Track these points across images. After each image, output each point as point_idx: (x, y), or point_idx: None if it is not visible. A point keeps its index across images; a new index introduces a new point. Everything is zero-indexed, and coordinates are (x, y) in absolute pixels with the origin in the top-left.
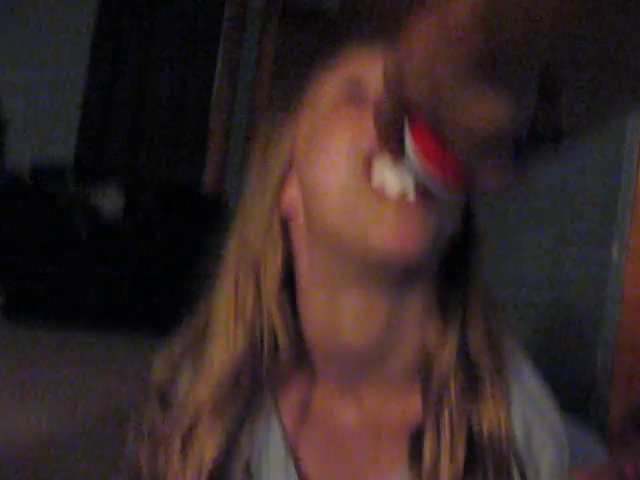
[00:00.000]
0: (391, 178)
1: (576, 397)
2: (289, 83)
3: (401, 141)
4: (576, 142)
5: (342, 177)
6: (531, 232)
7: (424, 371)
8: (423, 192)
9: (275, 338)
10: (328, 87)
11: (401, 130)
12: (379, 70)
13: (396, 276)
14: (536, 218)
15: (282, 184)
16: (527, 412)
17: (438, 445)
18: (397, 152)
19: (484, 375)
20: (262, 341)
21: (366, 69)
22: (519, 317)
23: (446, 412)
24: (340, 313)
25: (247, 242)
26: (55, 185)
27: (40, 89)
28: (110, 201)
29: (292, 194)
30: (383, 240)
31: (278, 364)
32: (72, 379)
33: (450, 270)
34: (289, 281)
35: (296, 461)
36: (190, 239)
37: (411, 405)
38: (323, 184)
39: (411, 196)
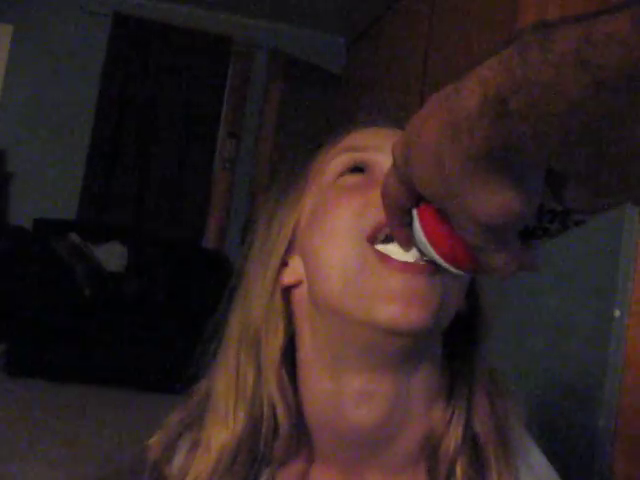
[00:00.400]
0: (397, 248)
1: (579, 461)
2: (292, 150)
3: (410, 223)
4: (580, 228)
5: (346, 248)
6: (531, 296)
7: (430, 452)
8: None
9: (275, 416)
10: (332, 160)
11: (409, 212)
12: (383, 144)
13: (402, 353)
14: (537, 282)
15: (284, 259)
16: None
17: None
18: (406, 235)
19: (490, 457)
20: (262, 419)
21: (370, 143)
22: (521, 382)
23: None
24: (343, 391)
25: (249, 317)
26: (58, 241)
27: (45, 145)
28: (113, 258)
29: (295, 268)
30: (390, 311)
31: (277, 442)
32: (72, 437)
33: (455, 349)
34: (290, 357)
35: None
36: (193, 296)
37: None
38: (327, 256)
39: (419, 262)
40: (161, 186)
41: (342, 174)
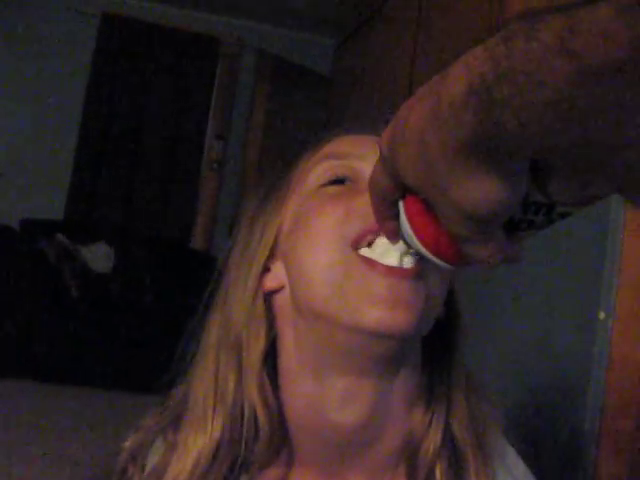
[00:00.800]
0: (381, 251)
1: (564, 460)
2: (280, 152)
3: (396, 216)
4: (566, 219)
5: (331, 254)
6: (518, 297)
7: (410, 455)
8: (415, 264)
9: (255, 419)
10: (314, 167)
11: (396, 204)
12: (366, 152)
13: (386, 356)
14: (523, 283)
15: (267, 263)
16: None
17: None
18: (392, 228)
19: (469, 460)
20: (242, 422)
21: (353, 151)
22: (506, 381)
23: None
24: (326, 394)
25: (229, 321)
26: (45, 241)
27: (32, 145)
28: (100, 258)
29: (277, 273)
30: (376, 314)
31: (258, 446)
32: (58, 437)
33: (433, 354)
34: (272, 361)
35: None
36: (181, 297)
37: None
38: (311, 262)
39: (405, 263)
40: (149, 187)
41: (325, 184)
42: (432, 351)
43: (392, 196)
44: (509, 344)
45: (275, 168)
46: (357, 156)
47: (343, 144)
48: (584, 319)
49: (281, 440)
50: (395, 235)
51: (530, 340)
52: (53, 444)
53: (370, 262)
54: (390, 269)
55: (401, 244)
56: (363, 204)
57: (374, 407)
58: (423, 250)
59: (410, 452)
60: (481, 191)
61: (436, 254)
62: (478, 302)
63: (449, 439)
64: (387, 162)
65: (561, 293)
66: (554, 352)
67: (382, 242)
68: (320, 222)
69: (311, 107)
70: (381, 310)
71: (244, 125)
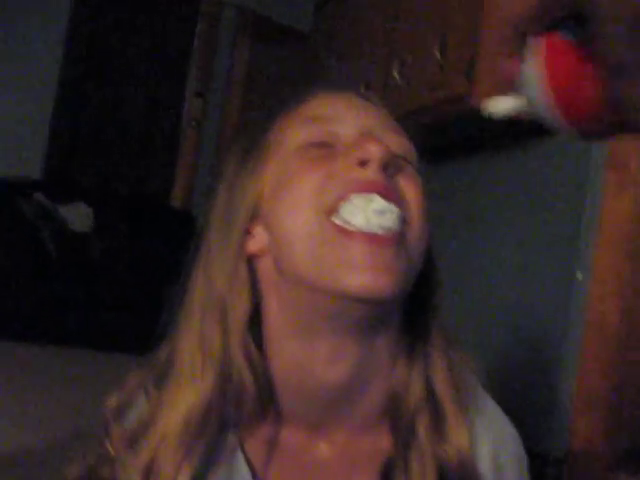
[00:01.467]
0: (360, 217)
1: (539, 418)
2: (260, 109)
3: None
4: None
5: (309, 221)
6: (495, 257)
7: (392, 410)
8: (394, 228)
9: (242, 379)
10: (294, 130)
11: (524, 41)
12: (344, 115)
13: (369, 318)
14: (502, 243)
15: (248, 227)
16: (491, 441)
17: (408, 479)
18: (514, 70)
19: (448, 411)
20: (229, 381)
21: (331, 114)
22: (482, 341)
23: (415, 447)
24: (312, 355)
25: (213, 282)
26: (23, 201)
27: (9, 103)
28: (79, 218)
29: (260, 235)
30: (358, 280)
31: (245, 406)
32: (38, 397)
33: (412, 310)
34: (256, 320)
35: None
36: (160, 256)
37: (382, 441)
38: (291, 228)
39: (380, 232)
40: (128, 144)
41: (303, 144)
42: (411, 307)
43: (531, 27)
44: (487, 303)
45: (252, 127)
46: (334, 119)
47: (321, 106)
48: (562, 280)
49: (268, 400)
50: (511, 83)
51: (508, 300)
52: (32, 404)
53: (345, 231)
54: (371, 237)
55: (509, 99)
56: (340, 169)
57: (359, 365)
58: (544, 101)
59: (393, 407)
60: None
61: (566, 106)
62: (456, 261)
63: (430, 392)
64: None
65: (539, 253)
66: (532, 311)
67: (351, 204)
68: (298, 190)
69: (291, 65)
70: (362, 276)
71: (224, 83)
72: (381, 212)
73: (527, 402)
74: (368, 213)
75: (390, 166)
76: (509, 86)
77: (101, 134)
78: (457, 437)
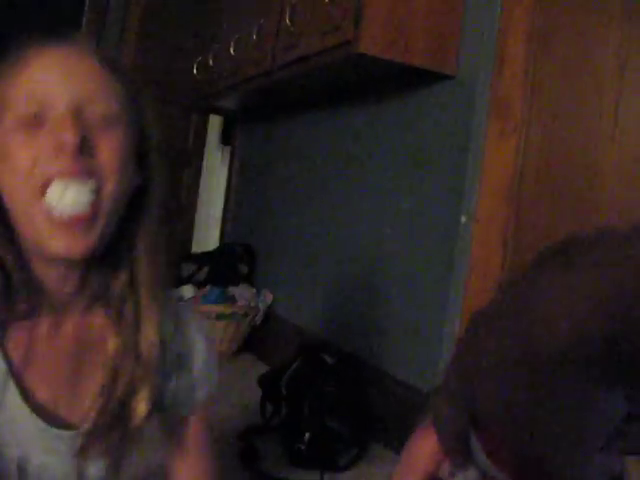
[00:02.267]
0: (59, 206)
1: (424, 363)
2: (155, 56)
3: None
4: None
5: (24, 198)
6: (383, 200)
7: (106, 296)
8: (86, 209)
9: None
10: (13, 101)
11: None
12: (57, 87)
13: (76, 262)
14: (389, 189)
15: None
16: (181, 341)
17: (124, 350)
18: (462, 456)
19: (146, 302)
20: None
21: (44, 89)
22: (371, 282)
23: (124, 323)
24: (49, 273)
25: None
26: None
27: None
28: None
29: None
30: (57, 249)
31: (11, 300)
32: None
33: (127, 218)
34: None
35: (27, 391)
36: None
37: (108, 326)
38: (12, 197)
39: (75, 213)
40: None
41: (18, 118)
42: (127, 215)
43: (465, 431)
44: (378, 247)
45: None
46: (47, 93)
47: (35, 76)
48: (448, 222)
49: (30, 298)
50: (464, 457)
51: (397, 244)
52: None
53: (49, 215)
54: (69, 220)
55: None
56: (43, 156)
57: (81, 278)
58: (492, 468)
59: (105, 297)
60: None
61: (503, 470)
62: (341, 207)
63: (135, 288)
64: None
65: (426, 197)
66: (420, 252)
67: (52, 191)
68: (13, 167)
69: (187, 7)
70: (60, 243)
71: (119, 28)
72: (75, 197)
73: (412, 346)
74: (65, 200)
75: (86, 145)
76: (462, 467)
77: None
78: (150, 317)
